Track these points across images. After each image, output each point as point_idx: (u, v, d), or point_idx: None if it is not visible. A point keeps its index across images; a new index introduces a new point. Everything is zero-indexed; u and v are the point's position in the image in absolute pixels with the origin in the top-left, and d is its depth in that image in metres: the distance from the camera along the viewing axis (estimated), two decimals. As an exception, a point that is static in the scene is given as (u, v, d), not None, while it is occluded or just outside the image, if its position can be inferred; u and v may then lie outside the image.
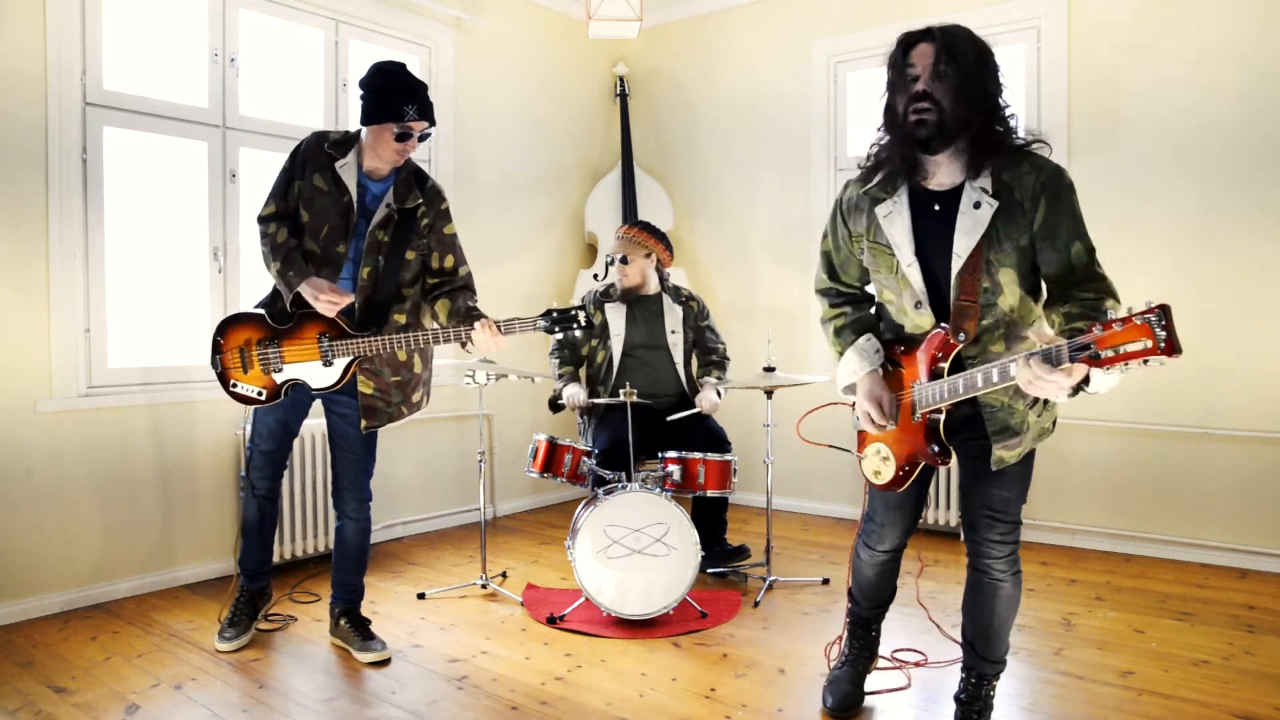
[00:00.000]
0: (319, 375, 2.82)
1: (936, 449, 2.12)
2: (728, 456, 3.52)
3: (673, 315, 3.91)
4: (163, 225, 3.75)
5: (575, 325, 2.81)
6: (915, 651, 2.91)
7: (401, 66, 2.82)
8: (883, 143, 2.08)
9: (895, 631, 3.01)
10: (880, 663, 2.74)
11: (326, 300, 2.69)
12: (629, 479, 3.33)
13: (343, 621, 3.03)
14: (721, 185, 5.36)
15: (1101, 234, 4.16)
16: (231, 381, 2.85)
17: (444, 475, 4.73)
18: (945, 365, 2.06)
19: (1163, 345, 1.55)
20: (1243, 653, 2.91)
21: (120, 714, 2.52)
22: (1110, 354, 1.61)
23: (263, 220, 2.85)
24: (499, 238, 5.02)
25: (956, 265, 2.02)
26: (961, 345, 2.04)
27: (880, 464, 2.26)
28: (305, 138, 2.87)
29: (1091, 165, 4.15)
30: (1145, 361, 1.58)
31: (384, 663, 2.89)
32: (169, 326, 3.75)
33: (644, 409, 3.75)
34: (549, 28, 5.30)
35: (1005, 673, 2.75)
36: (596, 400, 3.72)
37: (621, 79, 5.59)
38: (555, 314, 2.81)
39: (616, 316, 3.90)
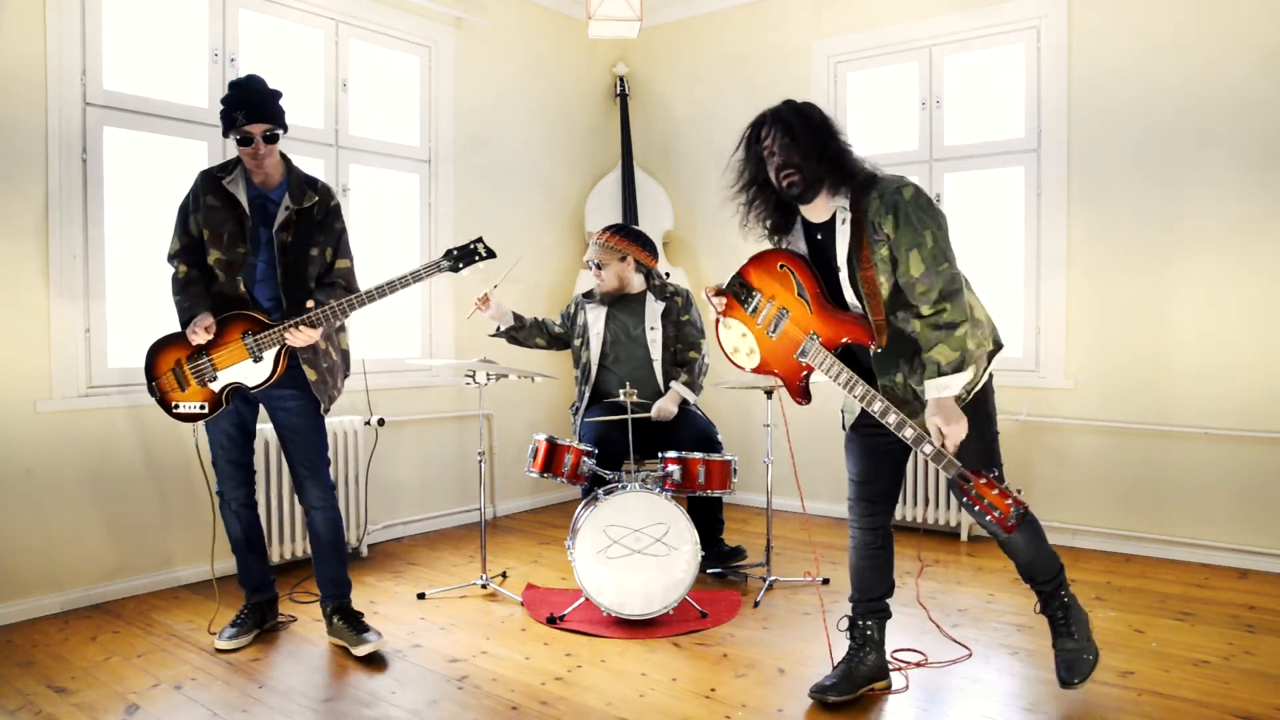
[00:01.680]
0: (253, 373, 2.90)
1: (800, 390, 2.52)
2: (727, 456, 3.52)
3: (652, 312, 3.90)
4: (163, 225, 3.73)
5: (477, 257, 2.98)
6: (915, 651, 2.91)
7: (246, 79, 2.92)
8: (755, 203, 2.60)
9: (895, 631, 3.00)
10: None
11: (193, 331, 2.84)
12: (624, 476, 3.35)
13: (335, 619, 3.03)
14: (721, 185, 5.34)
15: (1100, 233, 4.19)
16: (173, 404, 2.92)
17: (444, 475, 4.73)
18: (840, 347, 2.43)
19: (1009, 525, 2.17)
20: (1243, 653, 2.91)
21: (120, 714, 2.52)
22: (975, 494, 2.20)
23: (170, 259, 3.00)
24: (498, 238, 4.99)
25: (843, 273, 2.41)
26: (872, 349, 2.42)
27: (745, 354, 2.58)
28: (195, 178, 3.00)
29: (1091, 165, 4.15)
30: (987, 518, 2.21)
31: (380, 662, 2.88)
32: (169, 327, 3.73)
33: (624, 408, 3.75)
34: (549, 28, 5.30)
35: (1005, 673, 2.76)
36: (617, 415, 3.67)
37: (621, 79, 5.59)
38: (455, 251, 2.98)
39: (596, 316, 3.91)
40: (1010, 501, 2.15)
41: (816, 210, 2.47)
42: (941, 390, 2.28)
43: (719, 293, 2.60)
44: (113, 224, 3.52)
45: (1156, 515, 4.05)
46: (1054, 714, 2.48)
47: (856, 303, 2.42)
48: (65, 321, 3.37)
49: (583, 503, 3.41)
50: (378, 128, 4.48)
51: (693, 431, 3.73)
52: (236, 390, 2.92)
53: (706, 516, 3.82)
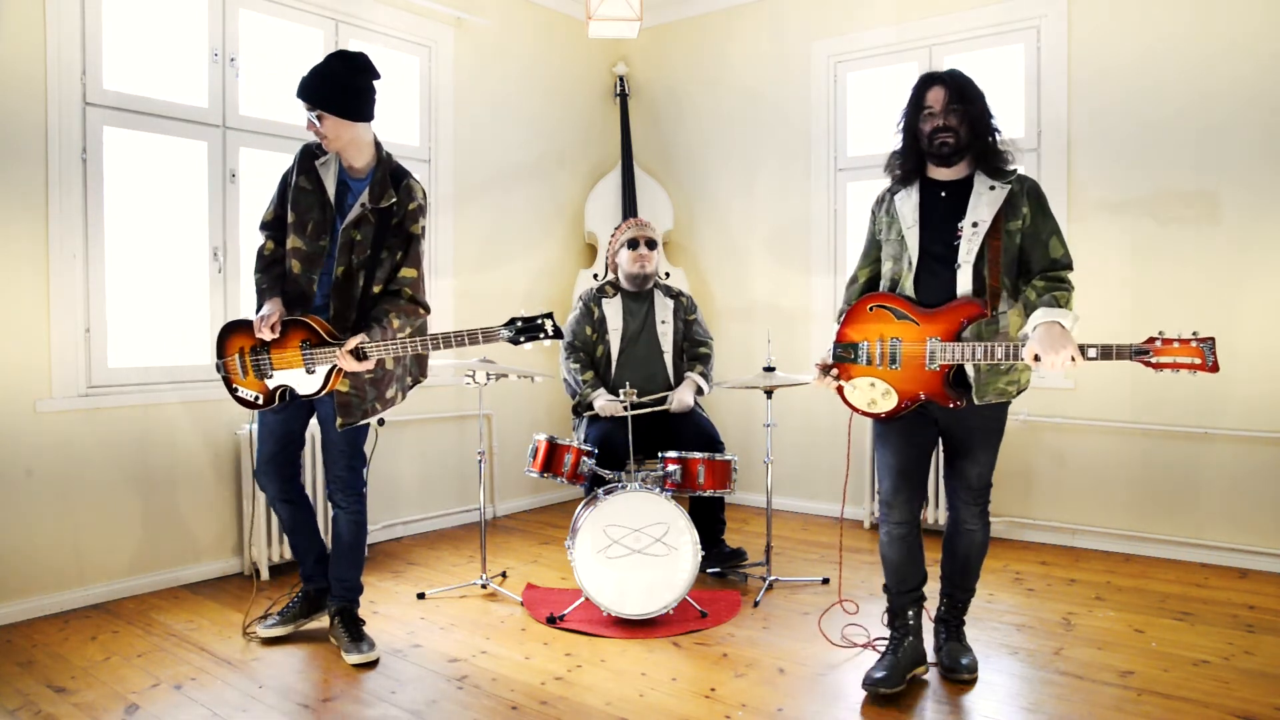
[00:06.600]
0: (305, 383, 2.86)
1: (954, 393, 2.51)
2: (728, 456, 3.52)
3: (664, 308, 3.96)
4: (162, 225, 3.74)
5: (542, 334, 2.63)
6: (915, 651, 2.91)
7: (331, 56, 2.82)
8: (902, 152, 2.65)
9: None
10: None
11: (259, 325, 2.79)
12: (624, 476, 3.35)
13: (336, 620, 3.03)
14: (721, 185, 5.36)
15: (1100, 231, 4.19)
16: (234, 386, 2.93)
17: (444, 475, 4.73)
18: (967, 330, 2.47)
19: (1210, 366, 2.21)
20: (1243, 653, 2.91)
21: (120, 714, 2.52)
22: (1164, 361, 2.23)
23: (261, 227, 2.97)
24: (498, 238, 5.02)
25: (969, 232, 2.52)
26: (986, 317, 2.48)
27: (879, 397, 2.58)
28: (300, 148, 2.94)
29: (1090, 164, 4.15)
30: (1193, 373, 2.23)
31: (370, 664, 2.88)
32: (169, 326, 3.75)
33: (635, 406, 3.76)
34: (549, 28, 5.30)
35: (1005, 673, 2.77)
36: (642, 409, 3.66)
37: (621, 79, 5.58)
38: (520, 323, 2.65)
39: (614, 312, 3.93)
40: (1194, 344, 2.20)
41: (950, 170, 2.61)
42: (1059, 316, 2.34)
43: (828, 368, 2.62)
44: (113, 224, 3.52)
45: (1156, 515, 4.05)
46: (1054, 714, 2.48)
47: (966, 259, 2.49)
48: (65, 321, 3.37)
49: (583, 502, 3.41)
50: (378, 127, 4.45)
51: (697, 431, 3.74)
52: (290, 390, 2.89)
53: (708, 517, 3.82)
